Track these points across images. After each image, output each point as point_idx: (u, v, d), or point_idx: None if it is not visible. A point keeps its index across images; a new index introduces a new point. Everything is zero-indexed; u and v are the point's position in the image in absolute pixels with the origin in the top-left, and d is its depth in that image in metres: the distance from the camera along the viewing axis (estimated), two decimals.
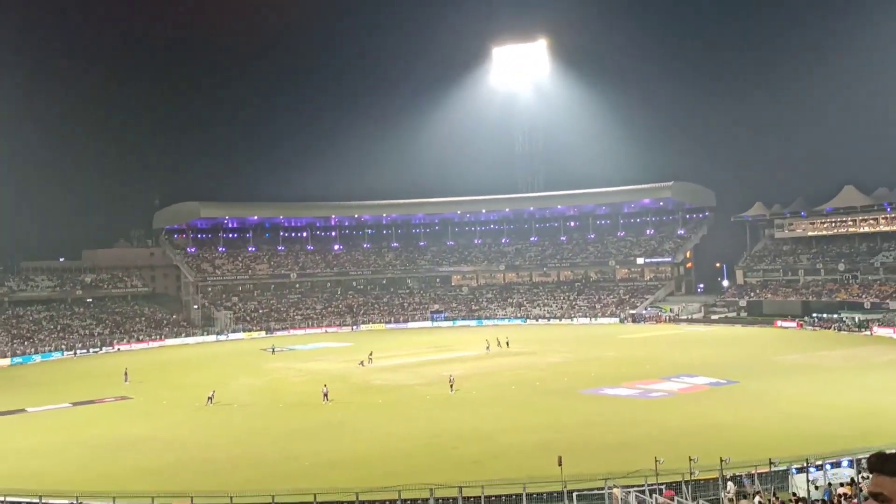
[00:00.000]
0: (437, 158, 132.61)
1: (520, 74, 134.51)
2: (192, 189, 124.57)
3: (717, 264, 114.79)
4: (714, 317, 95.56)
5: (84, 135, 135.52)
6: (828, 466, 24.94)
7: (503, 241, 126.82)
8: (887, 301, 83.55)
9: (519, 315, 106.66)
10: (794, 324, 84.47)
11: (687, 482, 24.19)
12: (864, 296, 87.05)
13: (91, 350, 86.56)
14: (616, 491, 23.77)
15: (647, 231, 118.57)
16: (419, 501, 25.26)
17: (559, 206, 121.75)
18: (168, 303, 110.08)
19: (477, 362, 63.78)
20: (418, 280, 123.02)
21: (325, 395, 46.71)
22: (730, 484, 23.79)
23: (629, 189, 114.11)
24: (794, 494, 23.10)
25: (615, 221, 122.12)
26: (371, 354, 65.28)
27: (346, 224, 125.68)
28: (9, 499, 26.78)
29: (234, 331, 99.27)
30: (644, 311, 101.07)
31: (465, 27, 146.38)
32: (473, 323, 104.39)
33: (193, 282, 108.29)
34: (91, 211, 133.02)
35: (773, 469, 25.34)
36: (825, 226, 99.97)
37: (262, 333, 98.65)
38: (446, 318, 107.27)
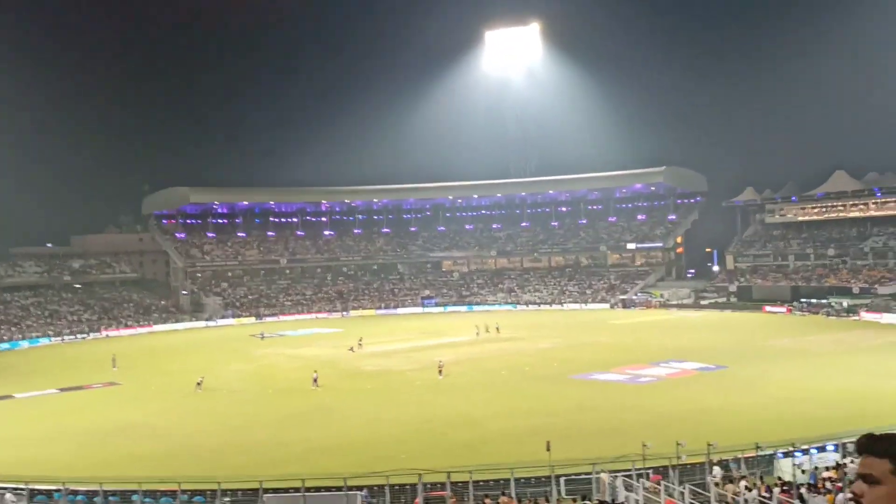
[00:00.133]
0: (429, 144, 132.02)
1: (512, 59, 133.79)
2: (182, 174, 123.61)
3: (708, 249, 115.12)
4: (704, 302, 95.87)
5: (72, 120, 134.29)
6: (813, 451, 25.07)
7: (494, 226, 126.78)
8: (875, 286, 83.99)
9: (510, 301, 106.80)
10: (783, 309, 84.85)
11: (674, 467, 24.27)
12: (853, 281, 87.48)
13: (79, 336, 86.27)
14: (604, 476, 23.84)
15: (639, 216, 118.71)
16: (407, 486, 25.26)
17: (551, 192, 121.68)
18: (157, 288, 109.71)
19: (467, 348, 63.85)
20: (409, 266, 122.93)
21: (315, 380, 46.66)
22: (716, 468, 23.88)
23: (621, 174, 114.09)
24: (780, 478, 23.22)
25: (607, 207, 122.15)
26: (361, 340, 65.26)
27: (337, 209, 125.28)
28: None
29: (223, 317, 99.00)
30: (634, 297, 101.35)
31: (458, 10, 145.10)
32: (464, 308, 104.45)
33: (182, 267, 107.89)
34: (80, 196, 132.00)
35: (760, 454, 25.45)
36: (816, 211, 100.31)
37: (252, 319, 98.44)
38: (437, 304, 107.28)
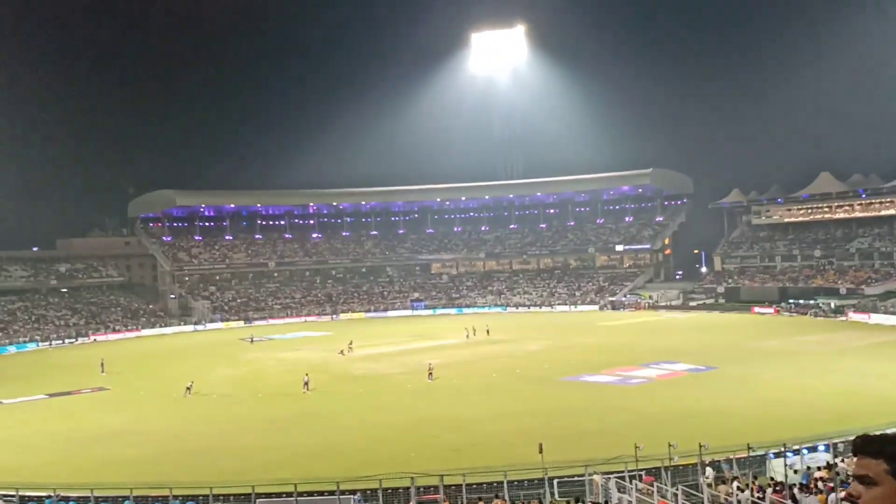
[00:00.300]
0: (416, 146, 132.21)
1: (498, 61, 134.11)
2: (168, 177, 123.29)
3: (696, 251, 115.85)
4: (692, 303, 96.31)
5: (57, 122, 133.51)
6: (805, 451, 25.21)
7: (483, 228, 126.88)
8: (862, 287, 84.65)
9: (499, 303, 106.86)
10: (771, 310, 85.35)
11: (666, 468, 24.35)
12: (839, 281, 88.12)
13: (66, 341, 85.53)
14: (596, 477, 23.89)
15: (626, 218, 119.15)
16: (400, 490, 25.21)
17: (539, 194, 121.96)
18: (144, 292, 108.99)
19: (457, 350, 63.80)
20: (398, 268, 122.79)
21: (306, 384, 46.49)
22: (709, 469, 23.97)
23: (608, 176, 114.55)
24: (772, 479, 23.33)
25: (594, 208, 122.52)
26: (351, 343, 65.07)
27: (325, 212, 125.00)
28: None
29: (211, 321, 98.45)
30: (623, 299, 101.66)
31: (444, 13, 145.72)
32: (453, 311, 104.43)
33: (170, 271, 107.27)
34: (65, 199, 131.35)
35: (751, 454, 25.56)
36: (801, 212, 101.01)
37: (241, 323, 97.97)
38: (426, 307, 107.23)
